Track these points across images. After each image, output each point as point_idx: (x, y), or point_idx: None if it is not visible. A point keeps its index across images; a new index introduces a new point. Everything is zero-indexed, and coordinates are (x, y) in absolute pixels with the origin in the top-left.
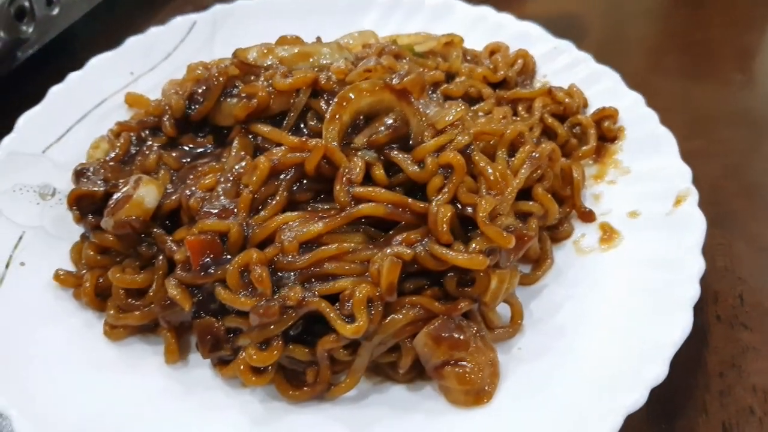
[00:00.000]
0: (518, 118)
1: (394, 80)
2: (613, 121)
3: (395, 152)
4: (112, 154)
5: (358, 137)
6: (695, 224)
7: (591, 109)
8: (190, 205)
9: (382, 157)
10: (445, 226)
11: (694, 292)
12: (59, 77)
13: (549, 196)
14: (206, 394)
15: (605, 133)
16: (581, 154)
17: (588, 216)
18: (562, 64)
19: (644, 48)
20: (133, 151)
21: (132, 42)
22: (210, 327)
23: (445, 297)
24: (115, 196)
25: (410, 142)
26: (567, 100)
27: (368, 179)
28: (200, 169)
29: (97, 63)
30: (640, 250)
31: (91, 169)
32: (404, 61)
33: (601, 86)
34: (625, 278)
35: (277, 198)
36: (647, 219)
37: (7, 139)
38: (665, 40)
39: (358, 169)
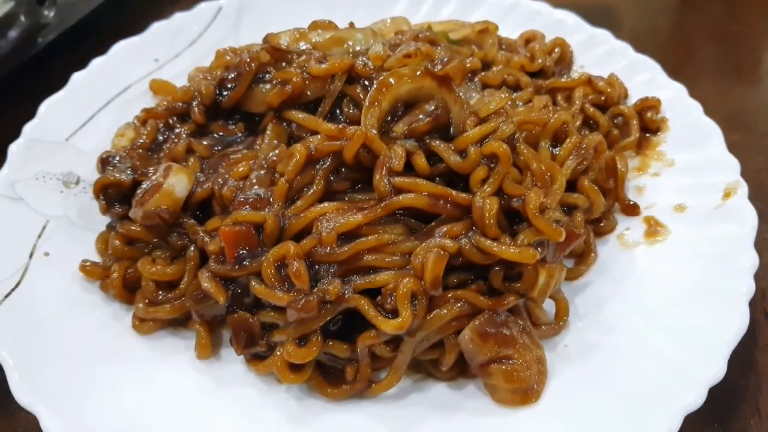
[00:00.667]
0: (558, 108)
1: (435, 66)
2: (655, 112)
3: (436, 141)
4: (139, 142)
5: (398, 125)
6: (746, 217)
7: (632, 100)
8: (223, 194)
9: (422, 146)
10: (492, 219)
11: (748, 287)
12: (82, 63)
13: (595, 188)
14: (240, 391)
15: (648, 124)
16: (624, 145)
17: (632, 209)
18: (600, 54)
19: (679, 40)
20: (161, 139)
21: (156, 28)
22: (245, 322)
23: (490, 292)
24: (143, 185)
25: (451, 131)
26: (608, 89)
27: (408, 169)
28: (232, 157)
29: (121, 49)
30: (689, 244)
31: (118, 156)
32: (440, 47)
33: (642, 76)
34: (674, 273)
35: (314, 187)
36: (695, 212)
37: (29, 125)
38: (700, 33)
39: (398, 158)
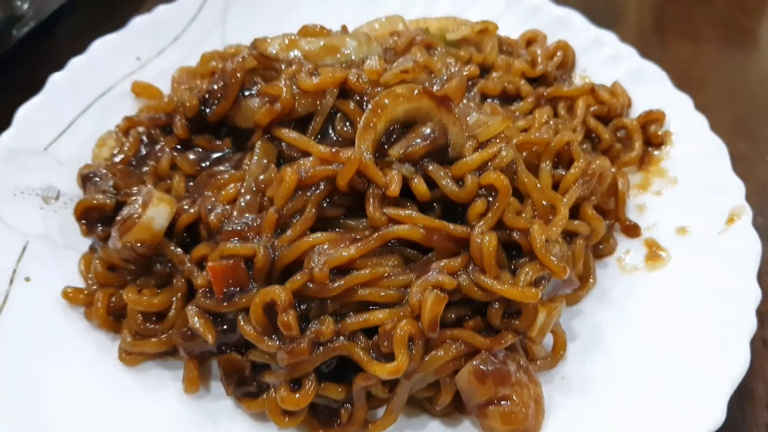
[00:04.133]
0: (559, 120)
1: (434, 87)
2: (659, 125)
3: (433, 167)
4: (119, 158)
5: (394, 148)
6: (750, 247)
7: (635, 109)
8: (210, 223)
9: (419, 171)
10: (491, 257)
11: (750, 326)
12: (59, 63)
13: (597, 216)
14: (233, 428)
15: (651, 138)
16: (626, 161)
17: (633, 230)
18: (604, 57)
19: (685, 35)
20: (144, 152)
21: (138, 22)
22: (235, 363)
23: (487, 327)
24: (123, 211)
25: (449, 152)
26: (611, 100)
27: (404, 192)
28: (219, 177)
29: (101, 47)
30: (690, 272)
31: (99, 172)
32: (438, 51)
33: (646, 85)
34: (674, 304)
35: (306, 215)
36: (697, 237)
37: (6, 134)
38: (708, 26)
39: (394, 185)
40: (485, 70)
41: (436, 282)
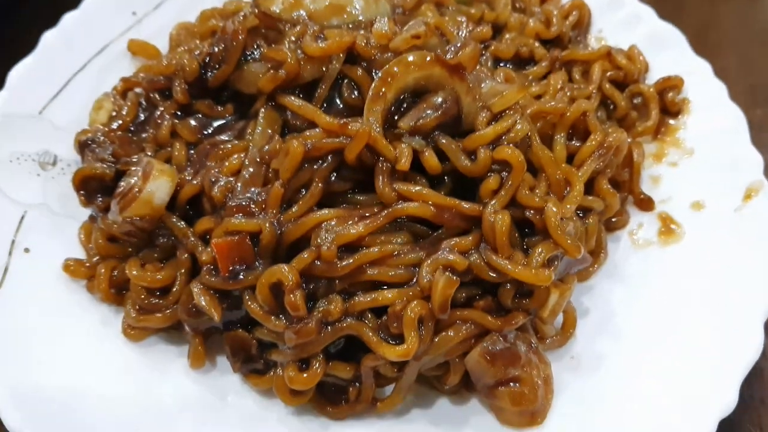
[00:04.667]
0: (574, 85)
1: (447, 54)
2: (677, 92)
3: (444, 140)
4: (119, 122)
5: (404, 120)
6: (767, 227)
7: (652, 74)
8: (213, 196)
9: (430, 143)
10: (504, 236)
11: (764, 308)
12: (52, 19)
13: (612, 191)
14: (241, 404)
15: (668, 106)
16: (641, 130)
17: (646, 204)
18: (621, 18)
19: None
20: (142, 116)
21: None
22: (242, 340)
23: (498, 307)
24: (123, 182)
25: (462, 123)
26: (628, 65)
27: (414, 166)
28: (222, 147)
29: (95, 1)
30: (704, 250)
31: (97, 139)
32: (448, 9)
33: (664, 49)
34: (687, 282)
35: (312, 189)
36: (713, 213)
37: None
38: None
39: (405, 158)
40: (498, 29)
41: (446, 262)
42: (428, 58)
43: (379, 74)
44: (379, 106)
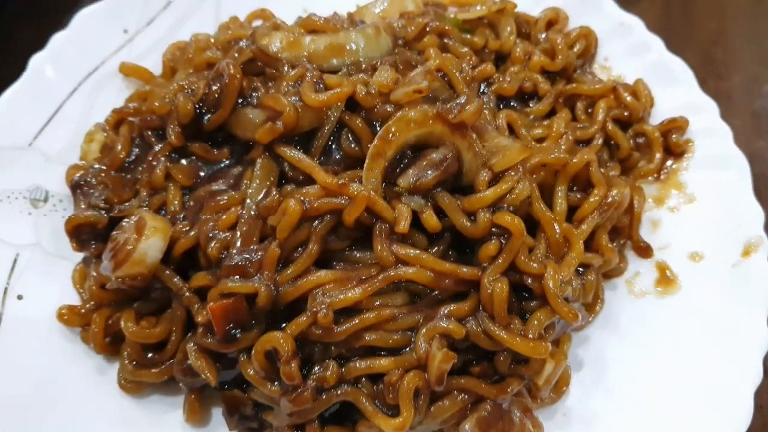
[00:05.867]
0: (578, 124)
1: (450, 114)
2: (681, 133)
3: (445, 198)
4: (112, 160)
5: (403, 178)
6: (764, 287)
7: (656, 108)
8: (209, 253)
9: (430, 201)
10: (502, 306)
11: (755, 374)
12: (39, 38)
13: (611, 248)
14: None
15: (672, 147)
16: (643, 172)
17: (645, 251)
18: (628, 47)
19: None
20: (135, 153)
21: None
22: (238, 400)
23: (493, 371)
24: (116, 233)
25: (462, 179)
26: (633, 103)
27: (413, 220)
28: (218, 198)
29: (85, 20)
30: (700, 307)
31: (90, 181)
32: (452, 40)
33: (671, 83)
34: (681, 339)
35: (309, 250)
36: (710, 267)
37: None
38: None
39: (404, 220)
40: (501, 57)
41: (443, 330)
42: (430, 116)
43: (380, 132)
44: (378, 166)
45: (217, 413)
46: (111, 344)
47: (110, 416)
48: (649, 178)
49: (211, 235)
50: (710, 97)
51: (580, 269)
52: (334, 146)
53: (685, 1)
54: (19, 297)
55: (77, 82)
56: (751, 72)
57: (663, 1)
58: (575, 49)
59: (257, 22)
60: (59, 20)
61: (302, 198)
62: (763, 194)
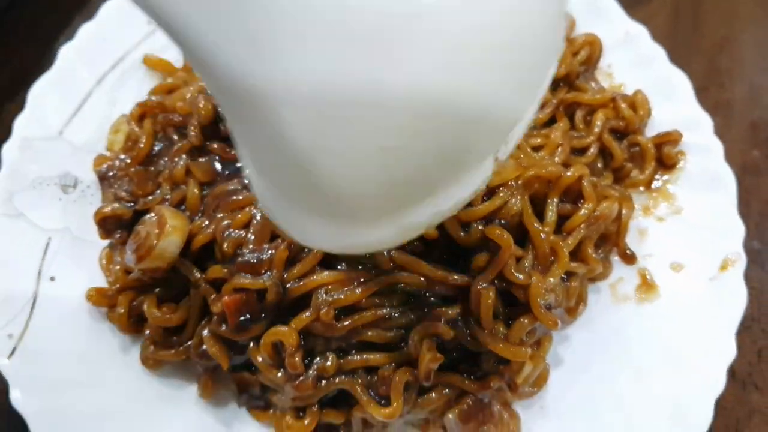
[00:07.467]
0: (575, 133)
1: None
2: (674, 145)
3: None
4: (136, 153)
5: None
6: (736, 302)
7: (653, 120)
8: (223, 250)
9: None
10: (488, 313)
11: (719, 385)
12: (64, 25)
13: (596, 258)
14: (245, 430)
15: (664, 159)
16: (635, 182)
17: (630, 259)
18: (631, 56)
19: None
20: (158, 147)
21: None
22: (247, 382)
23: (477, 368)
24: (140, 227)
25: None
26: (631, 115)
27: None
28: (233, 198)
29: (111, 12)
30: (676, 315)
31: (115, 174)
32: None
33: (670, 97)
34: (655, 343)
35: (315, 251)
36: (689, 278)
37: (20, 118)
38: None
39: None
40: None
41: (434, 330)
42: None
43: None
44: None
45: (228, 391)
46: (134, 324)
47: (131, 389)
48: (640, 187)
49: (226, 234)
50: (710, 106)
51: (565, 276)
52: None
53: (695, 6)
54: (52, 279)
55: (103, 74)
56: (754, 82)
57: (672, 4)
58: (579, 56)
59: None
60: (83, 5)
61: None
62: (753, 205)
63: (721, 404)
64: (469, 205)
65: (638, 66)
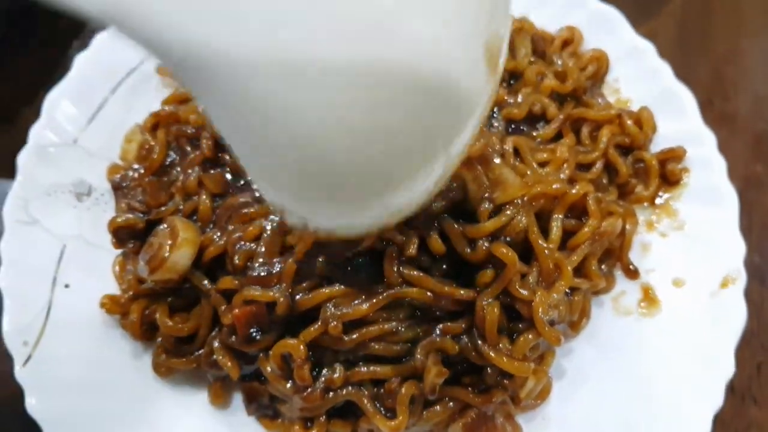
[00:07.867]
0: (581, 148)
1: None
2: (678, 162)
3: (449, 225)
4: (149, 163)
5: None
6: (736, 319)
7: (658, 135)
8: (235, 265)
9: (436, 227)
10: (492, 328)
11: (717, 402)
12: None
13: (599, 274)
14: None
15: (668, 176)
16: (639, 197)
17: (633, 274)
18: (638, 72)
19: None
20: (171, 156)
21: None
22: (257, 392)
23: (481, 382)
24: (152, 239)
25: (467, 206)
26: (636, 132)
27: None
28: (244, 211)
29: None
30: (676, 330)
31: (129, 184)
32: None
33: (675, 113)
34: (656, 357)
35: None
36: (690, 294)
37: (36, 128)
38: (758, 18)
39: (411, 246)
40: (515, 75)
41: (439, 345)
42: None
43: None
44: None
45: (238, 398)
46: (147, 332)
47: (143, 396)
48: (644, 203)
49: (237, 246)
50: (715, 118)
51: (569, 291)
52: None
53: (703, 17)
54: (66, 286)
55: (117, 82)
56: (759, 94)
57: (681, 15)
58: (587, 72)
59: None
60: None
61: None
62: (754, 219)
63: (719, 418)
64: (476, 221)
65: (644, 80)
